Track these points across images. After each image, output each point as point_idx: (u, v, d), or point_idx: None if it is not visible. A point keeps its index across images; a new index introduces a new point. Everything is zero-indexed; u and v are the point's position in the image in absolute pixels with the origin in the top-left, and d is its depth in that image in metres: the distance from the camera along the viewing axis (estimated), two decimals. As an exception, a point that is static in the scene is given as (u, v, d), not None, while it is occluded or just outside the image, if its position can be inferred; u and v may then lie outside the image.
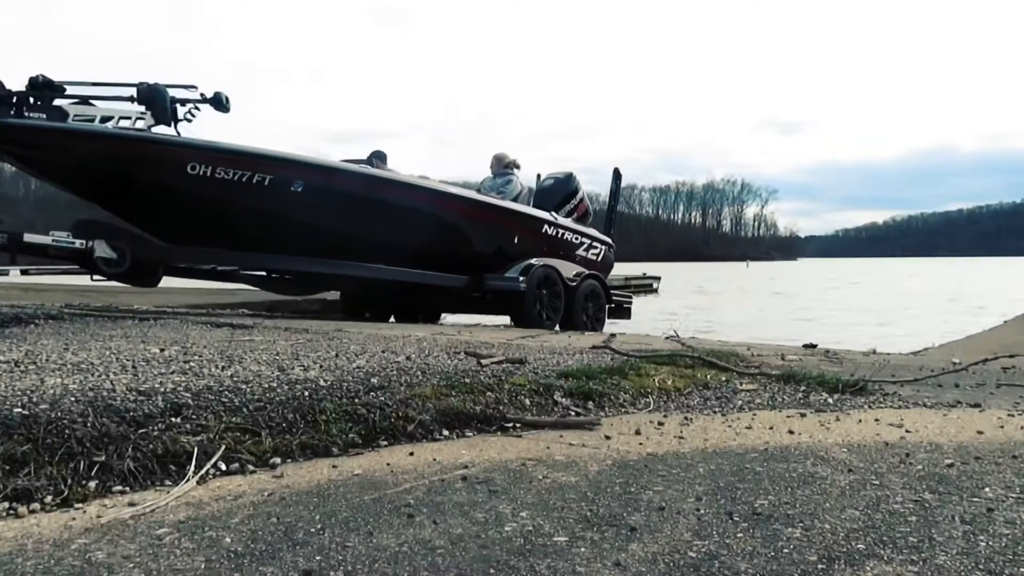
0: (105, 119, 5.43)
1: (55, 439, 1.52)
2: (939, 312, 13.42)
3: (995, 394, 2.81)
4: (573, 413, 2.32)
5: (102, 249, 5.40)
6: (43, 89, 5.38)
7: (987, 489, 1.55)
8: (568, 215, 7.61)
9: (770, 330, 9.15)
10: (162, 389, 1.94)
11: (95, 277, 5.70)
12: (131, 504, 1.39)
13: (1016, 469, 1.72)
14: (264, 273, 6.56)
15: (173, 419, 1.73)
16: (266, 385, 2.10)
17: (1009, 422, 2.28)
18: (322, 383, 2.19)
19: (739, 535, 1.27)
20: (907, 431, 2.15)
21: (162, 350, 2.71)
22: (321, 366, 2.51)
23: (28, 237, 5.25)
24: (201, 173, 5.39)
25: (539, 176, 8.15)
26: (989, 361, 3.71)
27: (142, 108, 5.46)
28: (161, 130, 5.49)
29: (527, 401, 2.32)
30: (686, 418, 2.32)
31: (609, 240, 8.23)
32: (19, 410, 1.61)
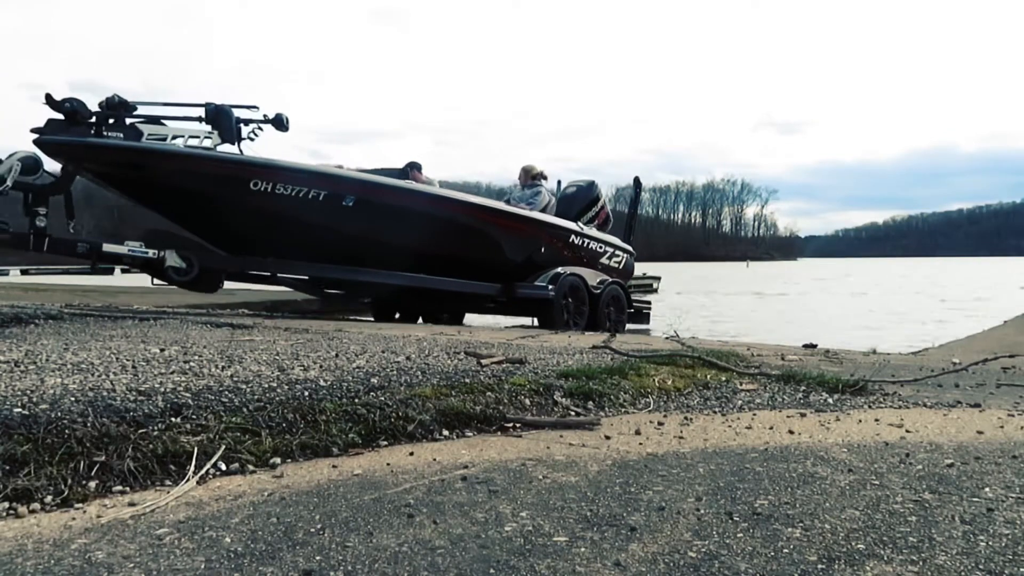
0: (176, 138, 5.88)
1: (55, 439, 1.52)
2: (938, 312, 13.42)
3: (995, 394, 2.81)
4: (573, 413, 2.32)
5: (173, 259, 5.84)
6: (118, 109, 5.77)
7: (987, 489, 1.55)
8: (590, 222, 7.93)
9: (777, 330, 9.17)
10: (162, 389, 1.94)
11: (155, 281, 6.13)
12: (131, 504, 1.39)
13: (1016, 469, 1.72)
14: (306, 277, 7.00)
15: (173, 419, 1.73)
16: (266, 385, 2.10)
17: (1009, 422, 2.28)
18: (322, 383, 2.19)
19: (739, 535, 1.27)
20: (907, 431, 2.15)
21: (162, 350, 2.71)
22: (321, 366, 2.51)
23: (106, 247, 5.69)
24: (263, 189, 5.80)
25: (559, 183, 8.49)
26: (989, 361, 3.72)
27: (209, 128, 5.91)
28: (226, 148, 5.93)
29: (527, 401, 2.32)
30: (686, 418, 2.32)
31: (630, 248, 8.58)
32: (19, 410, 1.61)
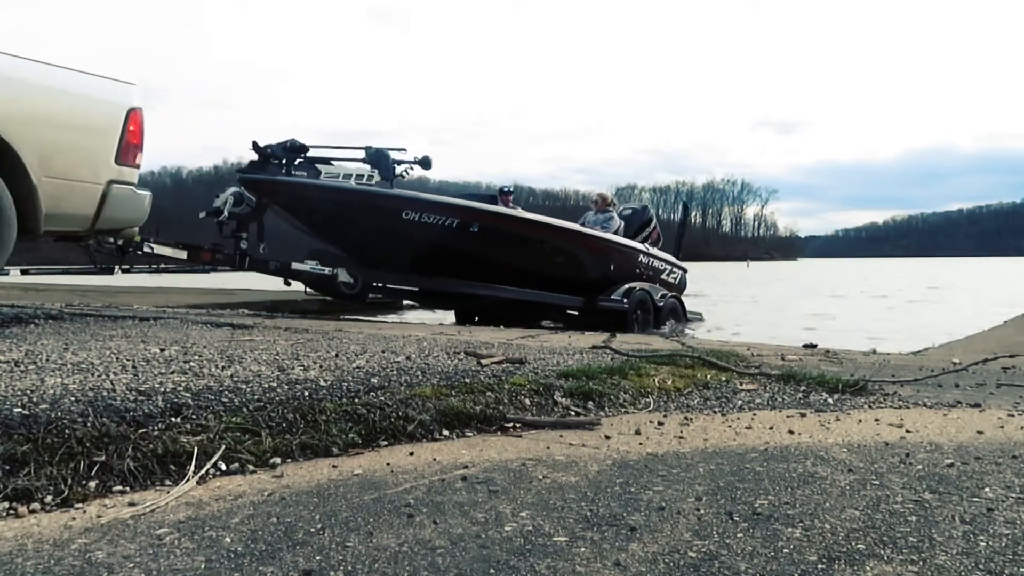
0: (346, 176, 7.23)
1: (55, 439, 1.52)
2: (942, 311, 13.44)
3: (995, 394, 2.81)
4: (573, 413, 2.32)
5: (343, 275, 7.21)
6: (296, 152, 7.14)
7: (987, 489, 1.55)
8: (643, 240, 9.33)
9: (785, 331, 9.22)
10: (162, 389, 1.94)
11: (307, 291, 7.74)
12: (131, 504, 1.39)
13: (1016, 469, 1.72)
14: (416, 290, 8.28)
15: (173, 419, 1.73)
16: (266, 385, 2.10)
17: (1009, 422, 2.28)
18: (322, 383, 2.19)
19: (739, 535, 1.27)
20: (907, 431, 2.15)
21: (162, 350, 2.71)
22: (321, 366, 2.51)
23: (294, 265, 7.02)
24: (412, 218, 7.08)
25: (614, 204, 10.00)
26: (989, 361, 3.71)
27: (370, 168, 7.24)
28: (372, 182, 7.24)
29: (527, 401, 2.32)
30: (686, 418, 2.32)
31: (684, 266, 10.06)
32: (19, 410, 1.61)
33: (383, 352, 3.01)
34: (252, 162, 7.14)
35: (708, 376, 3.00)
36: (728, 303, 14.43)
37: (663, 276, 9.44)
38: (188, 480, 1.52)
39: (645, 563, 1.15)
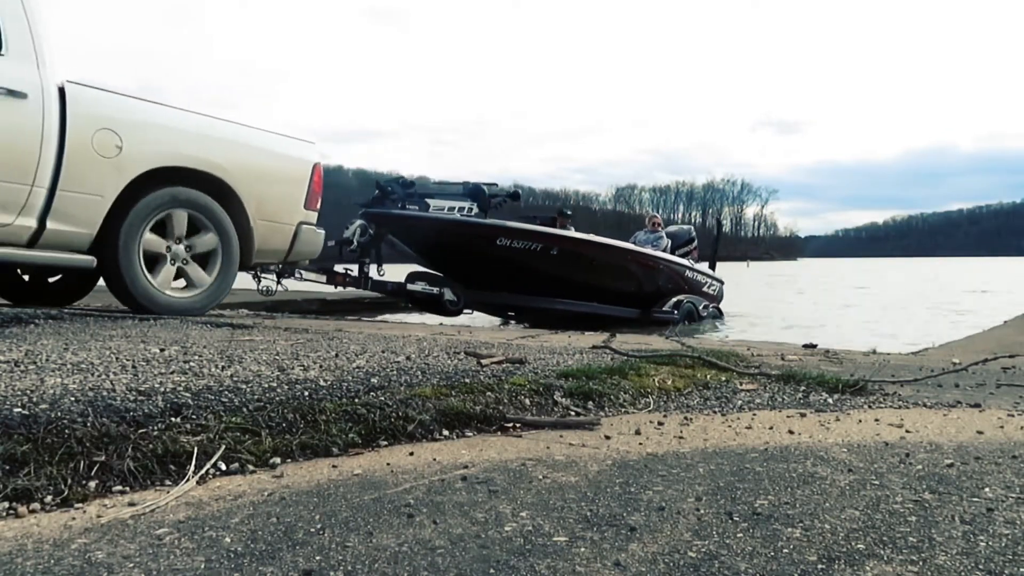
0: (450, 209, 8.48)
1: (55, 439, 1.52)
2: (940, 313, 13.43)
3: (995, 394, 2.81)
4: (573, 413, 2.32)
5: (449, 294, 8.29)
6: (408, 187, 8.55)
7: (987, 489, 1.55)
8: (685, 255, 10.81)
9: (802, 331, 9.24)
10: (162, 389, 1.94)
11: (408, 304, 8.73)
12: (131, 504, 1.39)
13: (1016, 469, 1.72)
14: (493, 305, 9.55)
15: (173, 419, 1.73)
16: (266, 385, 2.10)
17: (1009, 422, 2.28)
18: (322, 383, 2.19)
19: (739, 535, 1.27)
20: (907, 431, 2.15)
21: (162, 350, 2.71)
22: (321, 366, 2.51)
23: (409, 286, 8.22)
24: (504, 244, 8.32)
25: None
26: (989, 361, 3.72)
27: (470, 201, 8.53)
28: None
29: (527, 401, 2.32)
30: (686, 418, 2.32)
31: (721, 279, 11.46)
32: (19, 410, 1.61)
33: (383, 352, 3.01)
34: (374, 197, 8.53)
35: (708, 376, 3.00)
36: (775, 318, 12.37)
37: (704, 288, 10.85)
38: (188, 480, 1.52)
39: (645, 563, 1.15)
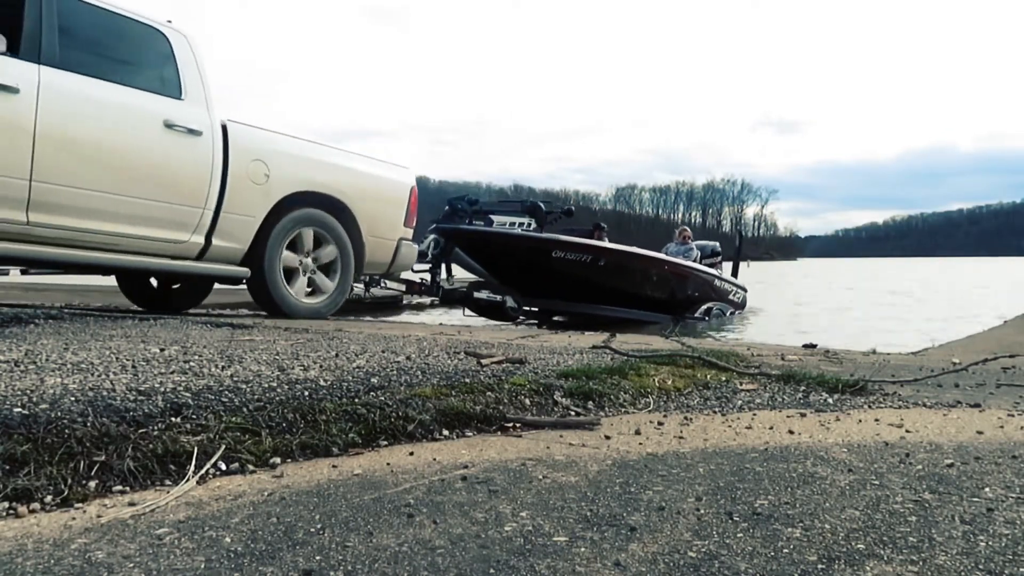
0: (512, 224, 9.55)
1: (55, 439, 1.52)
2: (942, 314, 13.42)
3: (995, 394, 2.81)
4: (573, 413, 2.32)
5: (511, 302, 9.15)
6: (473, 204, 9.57)
7: (987, 489, 1.55)
8: (711, 266, 11.99)
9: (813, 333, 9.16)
10: (162, 389, 1.94)
11: (467, 312, 9.39)
12: (131, 504, 1.39)
13: (1016, 469, 1.72)
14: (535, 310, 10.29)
15: (173, 419, 1.73)
16: (266, 385, 2.10)
17: (1009, 422, 2.28)
18: (322, 383, 2.19)
19: (739, 535, 1.27)
20: (907, 431, 2.15)
21: (162, 350, 2.71)
22: (321, 366, 2.51)
23: (476, 294, 9.02)
24: (559, 256, 9.30)
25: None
26: (989, 361, 3.72)
27: (528, 217, 9.61)
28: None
29: (527, 401, 2.32)
30: (686, 418, 2.32)
31: (745, 287, 12.61)
32: (19, 410, 1.61)
33: (383, 352, 3.01)
34: (444, 214, 9.54)
35: (708, 376, 3.00)
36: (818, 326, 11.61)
37: (730, 296, 12.04)
38: (188, 480, 1.52)
39: (645, 563, 1.15)
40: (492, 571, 1.11)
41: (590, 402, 2.42)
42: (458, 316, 9.65)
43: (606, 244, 10.28)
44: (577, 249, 9.50)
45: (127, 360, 2.40)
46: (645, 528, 1.30)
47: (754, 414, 2.39)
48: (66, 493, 1.40)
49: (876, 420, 2.30)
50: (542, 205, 9.91)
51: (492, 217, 9.60)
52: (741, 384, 2.90)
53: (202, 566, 1.11)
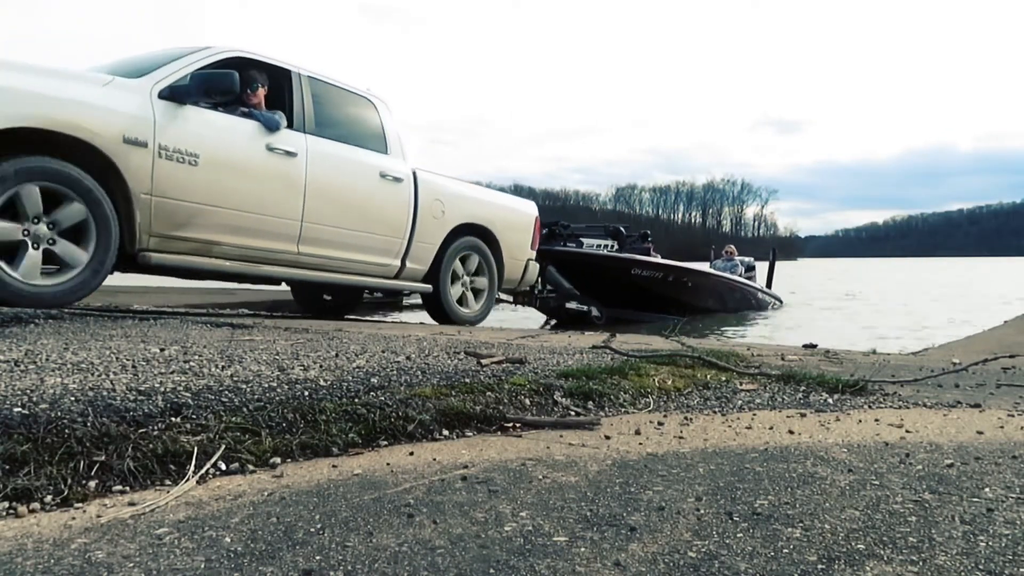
0: (598, 246, 11.65)
1: (55, 438, 1.52)
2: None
3: (995, 394, 2.81)
4: (573, 413, 2.32)
5: (596, 311, 10.67)
6: (565, 228, 11.75)
7: (987, 489, 1.55)
8: (748, 278, 14.03)
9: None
10: (162, 389, 1.94)
11: (551, 322, 10.80)
12: (131, 504, 1.39)
13: (1016, 469, 1.72)
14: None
15: (173, 419, 1.73)
16: (266, 385, 2.10)
17: (1009, 422, 2.28)
18: (322, 383, 2.19)
19: (739, 535, 1.27)
20: (907, 431, 2.15)
21: (162, 350, 2.71)
22: (321, 366, 2.51)
23: (567, 304, 10.57)
24: (637, 273, 11.01)
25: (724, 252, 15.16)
26: (989, 361, 3.72)
27: (611, 240, 11.94)
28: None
29: (527, 401, 2.32)
30: (686, 418, 2.32)
31: (780, 298, 14.79)
32: (19, 409, 1.61)
33: (383, 352, 3.01)
34: (544, 235, 10.64)
35: (708, 376, 3.00)
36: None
37: (769, 308, 14.14)
38: (188, 480, 1.52)
39: (645, 563, 1.15)
40: (492, 571, 1.11)
41: (590, 402, 2.42)
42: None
43: (673, 263, 12.06)
44: (651, 267, 11.38)
45: (127, 360, 2.39)
46: (645, 528, 1.30)
47: (754, 414, 2.39)
48: (66, 493, 1.40)
49: (876, 420, 2.30)
50: (623, 229, 12.36)
51: (582, 240, 11.86)
52: (741, 384, 2.90)
53: (202, 566, 1.11)
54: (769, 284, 14.97)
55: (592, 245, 11.71)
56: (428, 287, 6.07)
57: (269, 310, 8.09)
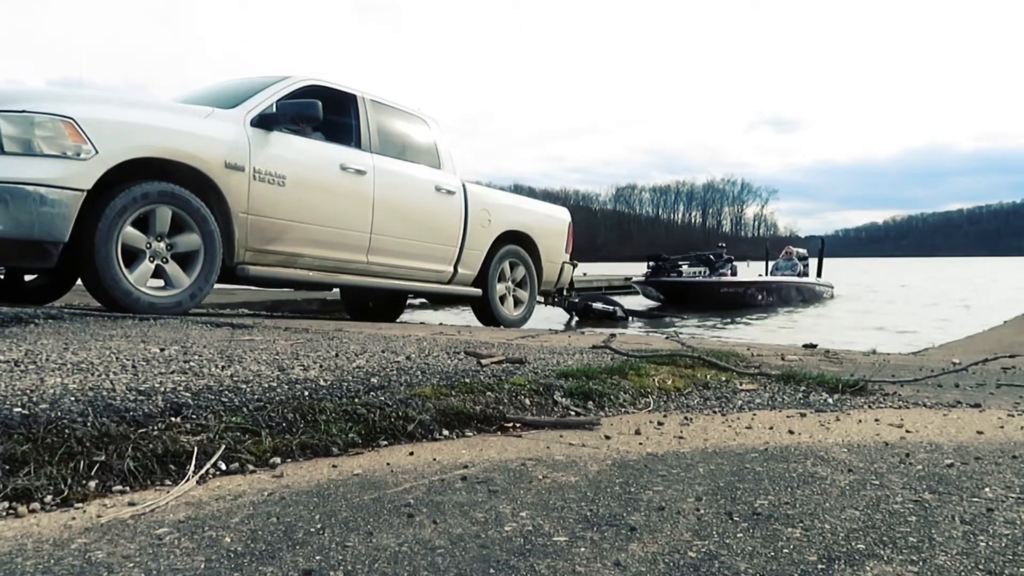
0: (695, 272, 16.13)
1: (55, 438, 1.52)
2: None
3: (995, 394, 2.81)
4: (573, 413, 2.32)
5: (620, 312, 12.02)
6: (666, 261, 16.33)
7: (987, 489, 1.55)
8: (805, 267, 18.00)
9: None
10: (162, 389, 1.94)
11: (575, 319, 12.30)
12: (131, 504, 1.39)
13: (1016, 469, 1.72)
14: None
15: (173, 419, 1.73)
16: (266, 385, 2.10)
17: (1009, 422, 2.28)
18: (322, 383, 2.19)
19: (739, 535, 1.27)
20: (907, 431, 2.15)
21: (162, 350, 2.71)
22: (321, 366, 2.51)
23: (593, 304, 12.02)
24: (725, 291, 15.27)
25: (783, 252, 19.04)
26: (989, 361, 3.72)
27: (704, 266, 16.25)
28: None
29: (527, 401, 2.32)
30: (686, 418, 2.32)
31: (832, 284, 18.69)
32: (19, 409, 1.61)
33: (383, 352, 3.01)
34: (653, 268, 16.21)
35: (708, 376, 3.00)
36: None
37: (824, 295, 17.79)
38: (188, 480, 1.52)
39: (645, 563, 1.15)
40: (492, 571, 1.11)
41: (590, 402, 2.42)
42: (458, 316, 9.70)
43: (749, 280, 15.94)
44: (736, 285, 15.50)
45: (127, 360, 2.39)
46: (645, 528, 1.30)
47: (754, 414, 2.39)
48: (66, 493, 1.40)
49: (876, 420, 2.30)
50: (712, 256, 16.23)
51: (681, 268, 16.03)
52: (741, 384, 2.90)
53: (202, 566, 1.11)
54: (819, 274, 18.60)
55: (690, 273, 15.88)
56: (478, 291, 6.59)
57: (269, 310, 8.09)
